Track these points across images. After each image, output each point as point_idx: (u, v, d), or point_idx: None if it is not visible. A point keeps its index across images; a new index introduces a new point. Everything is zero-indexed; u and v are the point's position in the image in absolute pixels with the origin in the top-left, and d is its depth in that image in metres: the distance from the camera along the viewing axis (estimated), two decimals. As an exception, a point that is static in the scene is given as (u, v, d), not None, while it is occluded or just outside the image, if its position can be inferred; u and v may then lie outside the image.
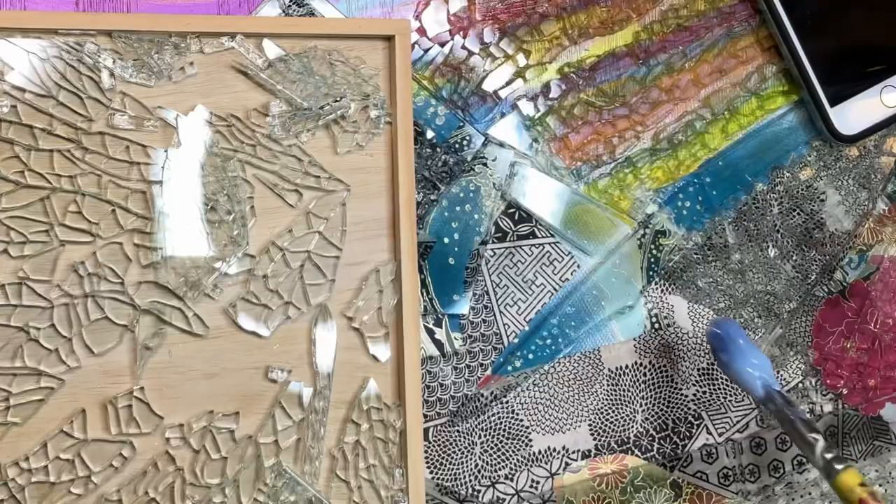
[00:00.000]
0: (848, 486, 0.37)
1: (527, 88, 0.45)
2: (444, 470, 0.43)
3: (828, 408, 0.48)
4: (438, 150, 0.44)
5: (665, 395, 0.46)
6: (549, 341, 0.45)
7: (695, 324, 0.46)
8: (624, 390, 0.45)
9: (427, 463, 0.43)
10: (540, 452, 0.44)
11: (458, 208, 0.44)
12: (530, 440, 0.44)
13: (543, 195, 0.45)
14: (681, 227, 0.46)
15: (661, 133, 0.46)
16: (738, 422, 0.47)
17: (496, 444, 0.44)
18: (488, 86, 0.45)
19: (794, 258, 0.48)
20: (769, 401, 0.40)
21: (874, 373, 0.48)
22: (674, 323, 0.46)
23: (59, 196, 0.38)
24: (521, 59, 0.45)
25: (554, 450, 0.45)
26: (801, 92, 0.47)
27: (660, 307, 0.46)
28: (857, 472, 0.37)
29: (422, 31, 0.44)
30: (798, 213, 0.48)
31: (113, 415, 0.38)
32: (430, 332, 0.43)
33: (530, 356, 0.45)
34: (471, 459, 0.44)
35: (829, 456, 0.37)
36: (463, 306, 0.44)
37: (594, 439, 0.45)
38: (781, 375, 0.47)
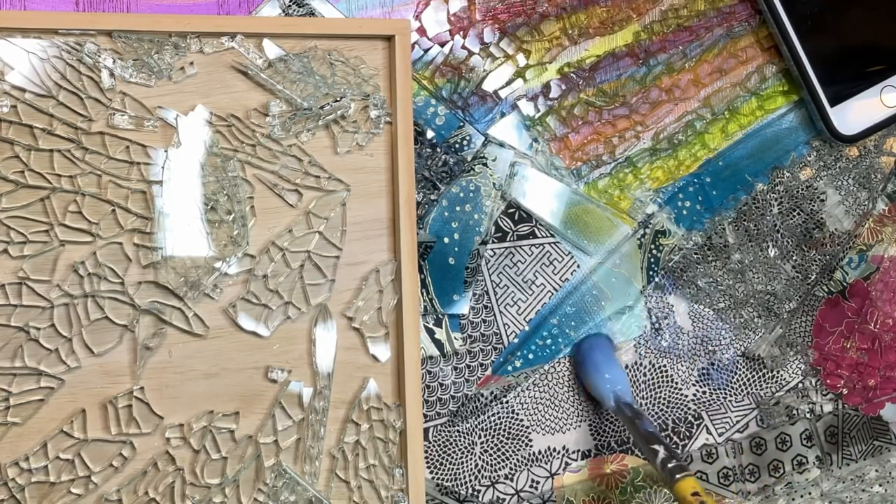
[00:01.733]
0: (682, 494, 0.38)
1: (527, 88, 0.45)
2: (444, 470, 0.43)
3: (828, 408, 0.48)
4: (438, 150, 0.44)
5: (665, 395, 0.46)
6: (549, 341, 0.45)
7: (695, 324, 0.46)
8: (624, 390, 0.45)
9: (427, 463, 0.43)
10: (540, 452, 0.44)
11: (458, 208, 0.44)
12: (530, 440, 0.44)
13: (543, 195, 0.45)
14: (681, 227, 0.46)
15: (661, 133, 0.46)
16: (737, 422, 0.47)
17: (496, 444, 0.44)
18: (488, 86, 0.45)
19: (794, 258, 0.48)
20: (619, 412, 0.42)
21: (874, 373, 0.48)
22: (674, 323, 0.46)
23: (59, 196, 0.38)
24: (521, 59, 0.45)
25: (554, 450, 0.45)
26: (801, 92, 0.47)
27: (660, 307, 0.46)
28: (694, 481, 0.38)
29: (422, 31, 0.44)
30: (798, 213, 0.48)
31: (113, 415, 0.38)
32: (430, 332, 0.43)
33: (530, 356, 0.45)
34: (471, 459, 0.44)
35: (669, 465, 0.39)
36: (463, 306, 0.44)
37: (594, 439, 0.45)
38: (781, 375, 0.47)
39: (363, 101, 0.42)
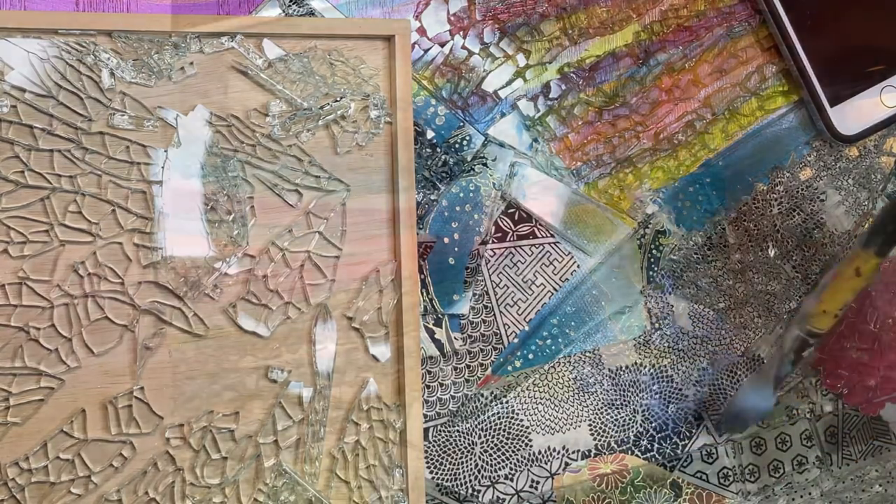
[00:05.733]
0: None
1: (527, 88, 0.45)
2: (444, 470, 0.43)
3: (828, 408, 0.48)
4: (438, 150, 0.44)
5: (665, 394, 0.46)
6: (549, 341, 0.45)
7: (695, 324, 0.46)
8: (624, 390, 0.45)
9: (427, 463, 0.43)
10: (540, 452, 0.44)
11: (458, 208, 0.44)
12: (530, 440, 0.44)
13: (543, 195, 0.45)
14: (681, 227, 0.46)
15: (661, 133, 0.46)
16: (738, 422, 0.47)
17: (496, 444, 0.44)
18: (488, 86, 0.45)
19: (794, 258, 0.48)
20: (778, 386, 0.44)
21: (874, 373, 0.48)
22: (674, 323, 0.46)
23: (59, 196, 0.38)
24: (521, 59, 0.45)
25: (554, 450, 0.44)
26: (801, 92, 0.47)
27: (660, 307, 0.46)
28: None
29: (422, 31, 0.44)
30: (798, 213, 0.48)
31: (113, 415, 0.38)
32: (430, 332, 0.43)
33: (530, 356, 0.44)
34: (471, 459, 0.44)
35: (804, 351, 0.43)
36: (463, 306, 0.44)
37: (594, 439, 0.45)
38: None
39: (363, 101, 0.42)
